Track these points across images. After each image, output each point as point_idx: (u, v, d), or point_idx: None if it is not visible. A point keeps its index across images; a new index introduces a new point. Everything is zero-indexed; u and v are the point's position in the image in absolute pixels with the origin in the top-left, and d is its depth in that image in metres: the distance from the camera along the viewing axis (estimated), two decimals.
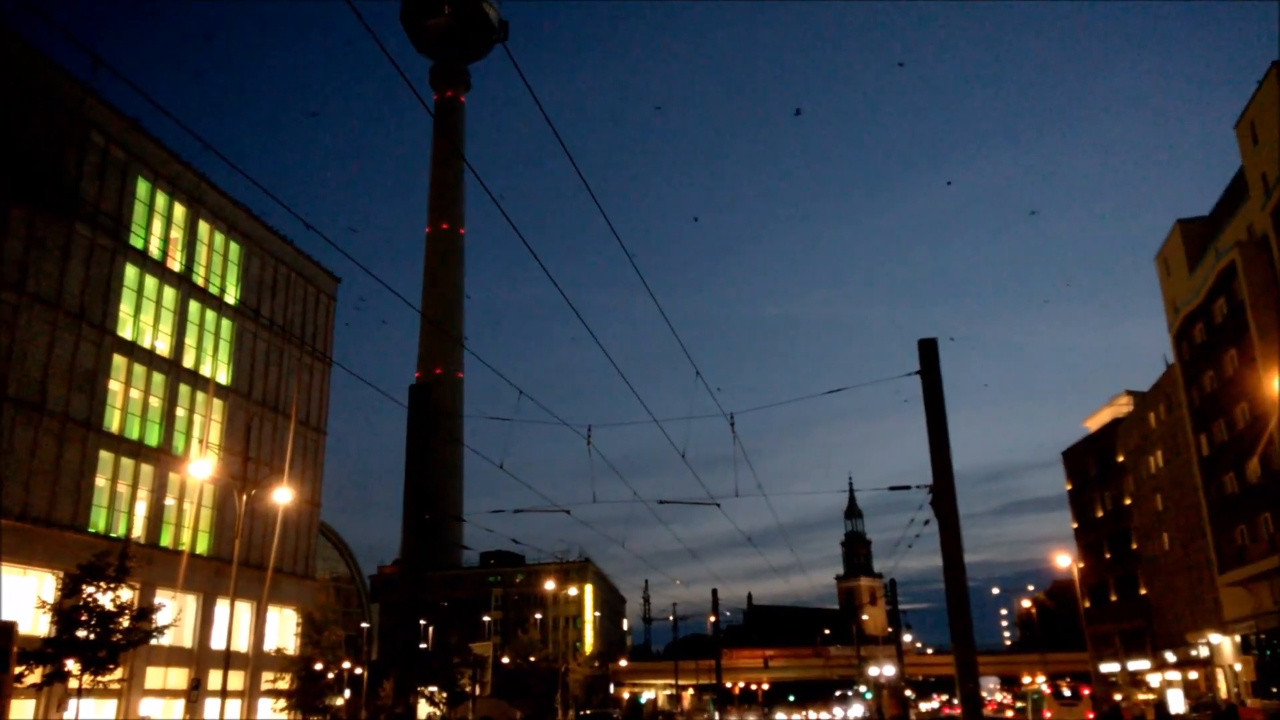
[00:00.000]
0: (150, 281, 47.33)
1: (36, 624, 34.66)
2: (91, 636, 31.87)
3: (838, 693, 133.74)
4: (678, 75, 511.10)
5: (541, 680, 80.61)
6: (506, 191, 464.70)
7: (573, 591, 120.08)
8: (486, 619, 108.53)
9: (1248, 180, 54.71)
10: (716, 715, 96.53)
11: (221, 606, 47.54)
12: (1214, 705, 55.65)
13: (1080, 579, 74.80)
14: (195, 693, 41.74)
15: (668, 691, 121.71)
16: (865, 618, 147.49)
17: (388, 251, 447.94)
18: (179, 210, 49.74)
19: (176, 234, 49.86)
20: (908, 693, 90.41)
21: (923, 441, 24.69)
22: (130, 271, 45.89)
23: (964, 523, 24.10)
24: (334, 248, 16.13)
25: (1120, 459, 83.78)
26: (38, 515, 39.02)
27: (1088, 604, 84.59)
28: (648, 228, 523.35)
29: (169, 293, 48.61)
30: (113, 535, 41.75)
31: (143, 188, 47.12)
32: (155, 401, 46.90)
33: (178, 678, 45.59)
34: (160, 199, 48.40)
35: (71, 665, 31.45)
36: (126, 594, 34.26)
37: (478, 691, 64.68)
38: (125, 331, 45.34)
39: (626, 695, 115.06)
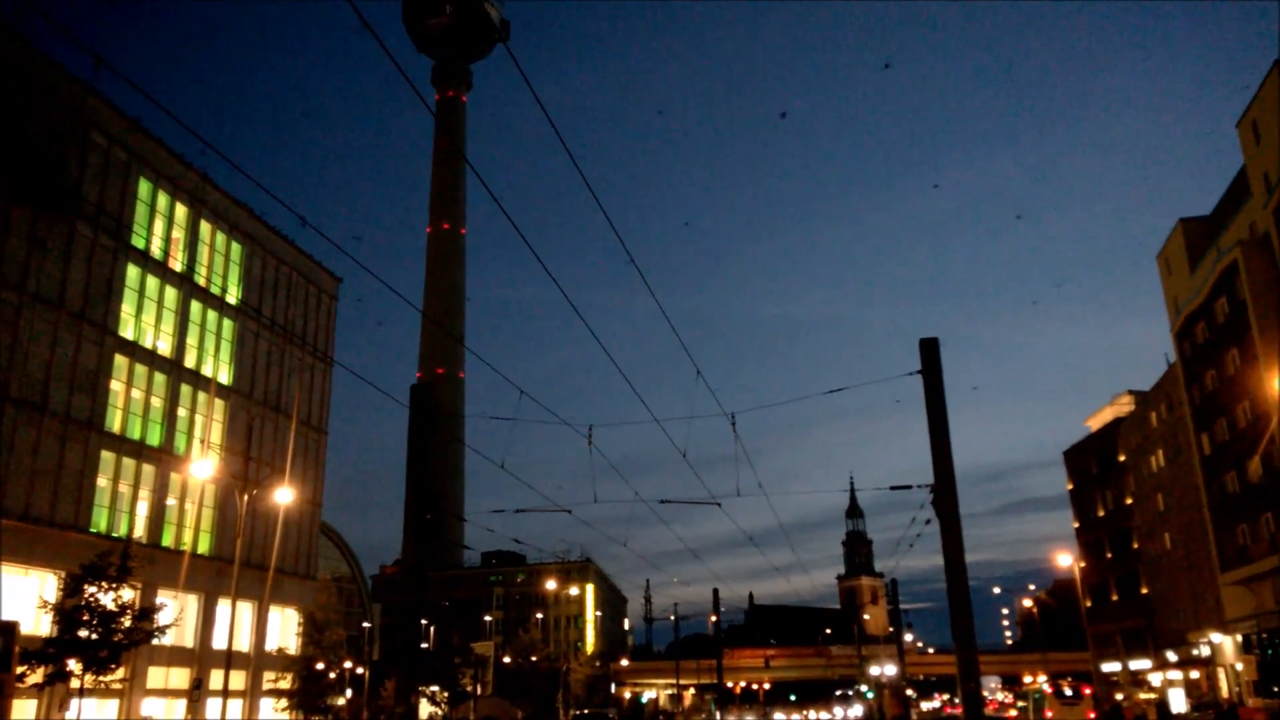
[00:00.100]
0: (152, 282, 47.36)
1: (38, 624, 34.72)
2: (93, 636, 31.90)
3: (838, 692, 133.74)
4: (678, 75, 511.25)
5: (543, 680, 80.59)
6: (507, 191, 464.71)
7: (574, 591, 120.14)
8: (488, 619, 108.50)
9: (1249, 179, 54.67)
10: (718, 715, 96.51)
11: (223, 606, 47.61)
12: (1215, 705, 55.63)
13: (1081, 578, 74.75)
14: (197, 692, 41.77)
15: (669, 691, 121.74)
16: (866, 617, 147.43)
17: (389, 251, 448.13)
18: (180, 210, 49.76)
19: (178, 234, 49.89)
20: (909, 692, 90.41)
21: (924, 441, 24.68)
22: (132, 272, 45.92)
23: (965, 522, 24.08)
24: (335, 248, 16.15)
25: (1121, 458, 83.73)
26: (40, 515, 39.05)
27: (1089, 603, 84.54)
28: (648, 227, 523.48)
29: (170, 293, 48.63)
30: (114, 535, 41.78)
31: (144, 188, 47.14)
32: (157, 402, 46.93)
33: (179, 677, 45.64)
34: (162, 199, 48.42)
35: (73, 665, 31.48)
36: (128, 594, 34.31)
37: (479, 691, 64.66)
38: (127, 332, 45.37)
39: (628, 695, 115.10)
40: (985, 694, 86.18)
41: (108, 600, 32.57)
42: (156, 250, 47.90)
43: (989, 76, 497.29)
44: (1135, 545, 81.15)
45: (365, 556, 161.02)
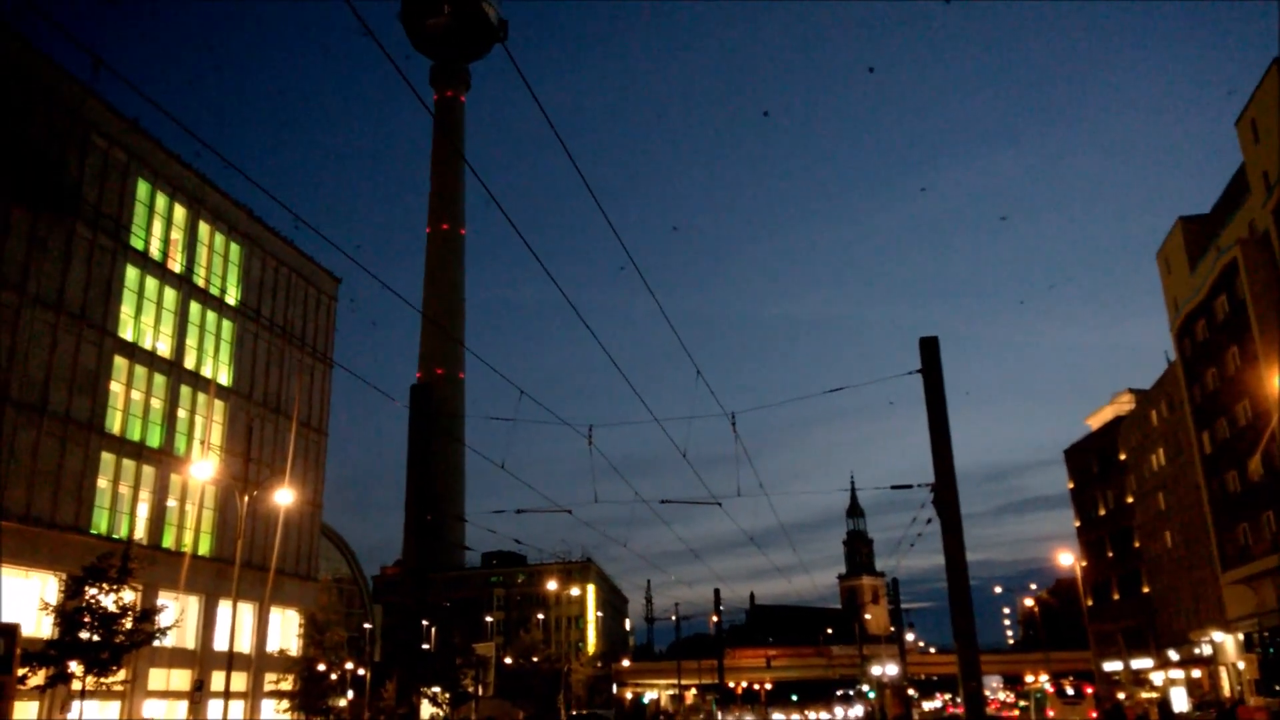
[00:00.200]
0: (151, 283, 47.33)
1: (40, 626, 34.70)
2: (94, 638, 31.86)
3: (840, 692, 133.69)
4: (677, 75, 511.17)
5: (544, 681, 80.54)
6: (507, 191, 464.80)
7: (575, 592, 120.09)
8: (489, 619, 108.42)
9: (1249, 178, 54.65)
10: (719, 715, 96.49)
11: (224, 608, 47.58)
12: (1218, 704, 55.57)
13: (1083, 577, 74.72)
14: (198, 694, 41.76)
15: (670, 691, 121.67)
16: (868, 617, 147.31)
17: (388, 252, 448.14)
18: (179, 211, 49.74)
19: (177, 235, 49.86)
20: (910, 692, 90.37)
21: (924, 440, 24.67)
22: (131, 273, 45.90)
23: (966, 521, 24.07)
24: (335, 248, 16.13)
25: (1122, 457, 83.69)
26: (40, 517, 39.02)
27: (1090, 602, 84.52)
28: (648, 227, 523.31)
29: (170, 294, 48.61)
30: (115, 537, 41.73)
31: (143, 189, 47.12)
32: (156, 403, 46.90)
33: (181, 679, 45.62)
34: (161, 200, 48.40)
35: (75, 667, 31.45)
36: (129, 595, 34.21)
37: (480, 692, 64.60)
38: (126, 333, 45.35)
39: (629, 695, 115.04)
40: (987, 693, 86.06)
41: (109, 602, 32.52)
42: (156, 251, 47.88)
43: (989, 77, 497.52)
44: (1136, 544, 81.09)
45: (366, 557, 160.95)
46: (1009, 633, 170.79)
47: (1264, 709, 47.21)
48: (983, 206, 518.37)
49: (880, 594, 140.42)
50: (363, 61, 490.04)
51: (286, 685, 51.31)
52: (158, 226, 48.39)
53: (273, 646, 52.06)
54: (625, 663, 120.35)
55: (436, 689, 57.65)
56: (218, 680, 43.36)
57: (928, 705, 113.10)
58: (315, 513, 60.05)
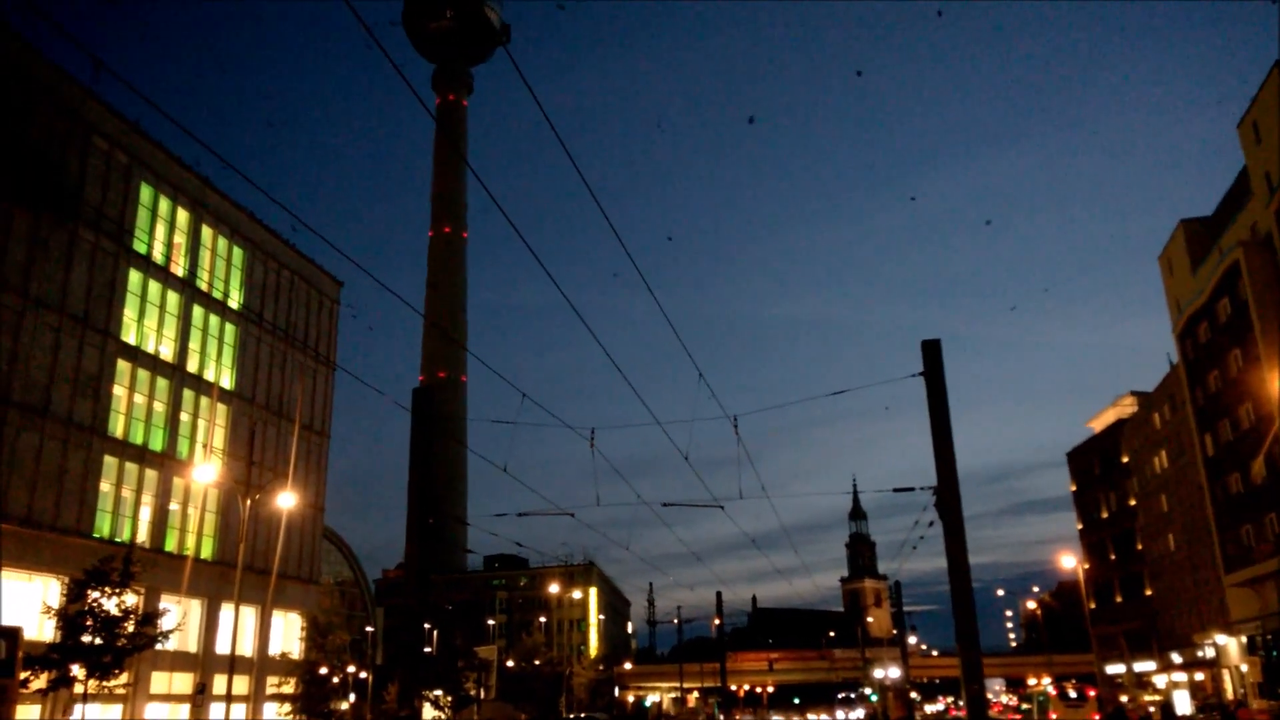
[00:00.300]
0: (154, 286, 47.37)
1: (42, 629, 34.68)
2: (97, 641, 31.85)
3: (841, 695, 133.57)
4: (678, 77, 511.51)
5: (546, 683, 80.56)
6: (508, 194, 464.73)
7: (577, 594, 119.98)
8: (491, 622, 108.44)
9: (1251, 180, 54.64)
10: (721, 718, 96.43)
11: (226, 611, 47.53)
12: (1221, 706, 55.47)
13: (1085, 580, 74.66)
14: (200, 697, 41.81)
15: (672, 694, 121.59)
16: (870, 620, 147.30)
17: (390, 255, 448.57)
18: (182, 215, 49.78)
19: (180, 238, 49.89)
20: (913, 695, 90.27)
21: (927, 442, 24.68)
22: (134, 276, 45.93)
23: (968, 524, 24.08)
24: (337, 251, 16.15)
25: (1125, 459, 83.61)
26: (42, 520, 39.03)
27: (1093, 605, 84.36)
28: (650, 229, 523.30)
29: (172, 297, 48.64)
30: (117, 540, 41.74)
31: (146, 192, 47.16)
32: (159, 406, 46.92)
33: (183, 682, 45.60)
34: (163, 203, 48.44)
35: (77, 670, 31.44)
36: (131, 599, 34.22)
37: (483, 695, 64.62)
38: (129, 336, 45.38)
39: (631, 698, 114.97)
40: (989, 696, 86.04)
41: (111, 605, 32.53)
42: (158, 255, 47.90)
43: (991, 78, 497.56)
44: (1139, 546, 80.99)
45: (368, 560, 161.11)
46: (1011, 635, 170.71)
47: (1266, 711, 47.14)
48: (984, 207, 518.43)
49: (882, 596, 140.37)
50: (365, 65, 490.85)
51: (288, 688, 51.24)
52: (160, 230, 48.41)
53: (275, 649, 52.03)
54: (627, 666, 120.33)
55: (438, 692, 57.57)
56: (220, 683, 43.38)
57: (930, 708, 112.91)
58: (317, 516, 60.05)
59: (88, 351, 42.27)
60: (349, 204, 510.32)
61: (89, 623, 31.91)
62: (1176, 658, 71.76)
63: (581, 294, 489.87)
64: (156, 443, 46.46)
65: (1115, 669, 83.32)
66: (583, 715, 79.05)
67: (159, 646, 37.13)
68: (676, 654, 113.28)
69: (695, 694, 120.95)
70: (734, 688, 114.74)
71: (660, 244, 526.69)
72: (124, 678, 33.88)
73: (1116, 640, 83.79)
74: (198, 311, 50.23)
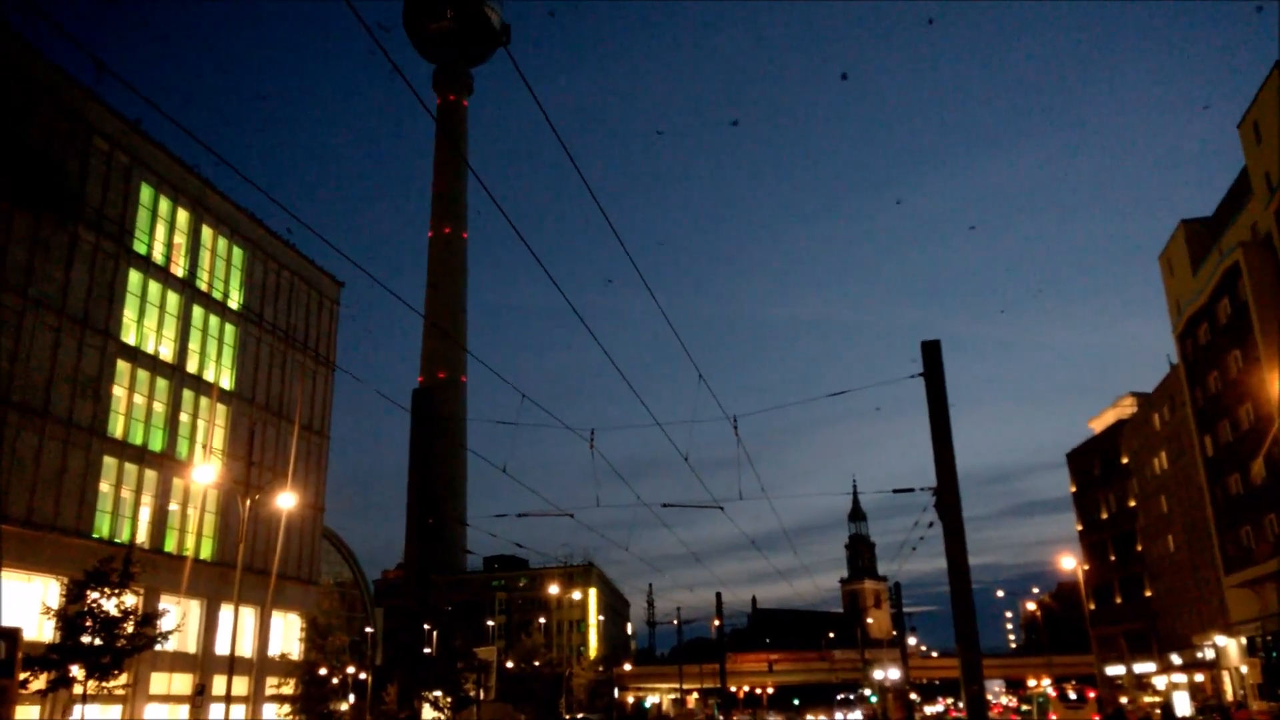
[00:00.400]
0: (154, 287, 47.36)
1: (41, 630, 34.67)
2: (96, 642, 31.83)
3: (841, 696, 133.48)
4: (679, 78, 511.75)
5: (546, 685, 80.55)
6: (509, 195, 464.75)
7: (576, 595, 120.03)
8: (490, 623, 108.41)
9: (1251, 180, 54.64)
10: (721, 718, 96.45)
11: (225, 611, 47.51)
12: (1220, 708, 55.46)
13: (1085, 581, 74.70)
14: (200, 698, 41.77)
15: (672, 695, 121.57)
16: (870, 621, 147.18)
17: (390, 255, 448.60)
18: (182, 215, 49.77)
19: (180, 239, 49.89)
20: (913, 696, 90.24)
21: (926, 443, 24.68)
22: (134, 277, 45.92)
23: (968, 525, 24.08)
24: (337, 252, 16.15)
25: (1124, 460, 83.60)
26: (42, 521, 39.02)
27: (1093, 606, 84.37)
28: (650, 230, 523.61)
29: (172, 298, 48.63)
30: (117, 541, 41.73)
31: (146, 193, 47.16)
32: (159, 407, 46.91)
33: (182, 683, 45.57)
34: (164, 204, 48.44)
35: (76, 671, 31.41)
36: (131, 599, 34.21)
37: (482, 696, 64.56)
38: (129, 337, 45.37)
39: (631, 699, 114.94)
40: (989, 697, 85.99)
41: (110, 606, 32.50)
42: (158, 255, 47.89)
43: (992, 79, 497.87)
44: (1139, 548, 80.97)
45: (367, 561, 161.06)
46: (1011, 636, 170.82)
47: (1266, 713, 47.15)
48: (984, 208, 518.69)
49: (882, 598, 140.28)
50: (365, 65, 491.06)
51: (288, 689, 51.21)
52: (160, 230, 48.41)
53: (274, 650, 52.02)
54: (627, 667, 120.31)
55: (438, 693, 57.47)
56: (219, 684, 43.36)
57: (930, 709, 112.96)
58: (317, 516, 60.03)
59: (88, 352, 42.25)
60: (349, 204, 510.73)
61: (88, 623, 31.89)
62: (1176, 659, 71.74)
63: (581, 294, 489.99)
64: (156, 443, 46.45)
65: (1115, 670, 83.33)
66: (580, 716, 79.08)
67: (158, 647, 37.08)
68: (676, 655, 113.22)
69: (695, 695, 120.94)
70: (734, 689, 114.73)
71: (661, 244, 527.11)
72: (123, 678, 33.88)
73: (1116, 641, 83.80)
74: (198, 312, 50.22)
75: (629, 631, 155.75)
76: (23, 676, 27.61)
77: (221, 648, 46.78)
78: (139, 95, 11.62)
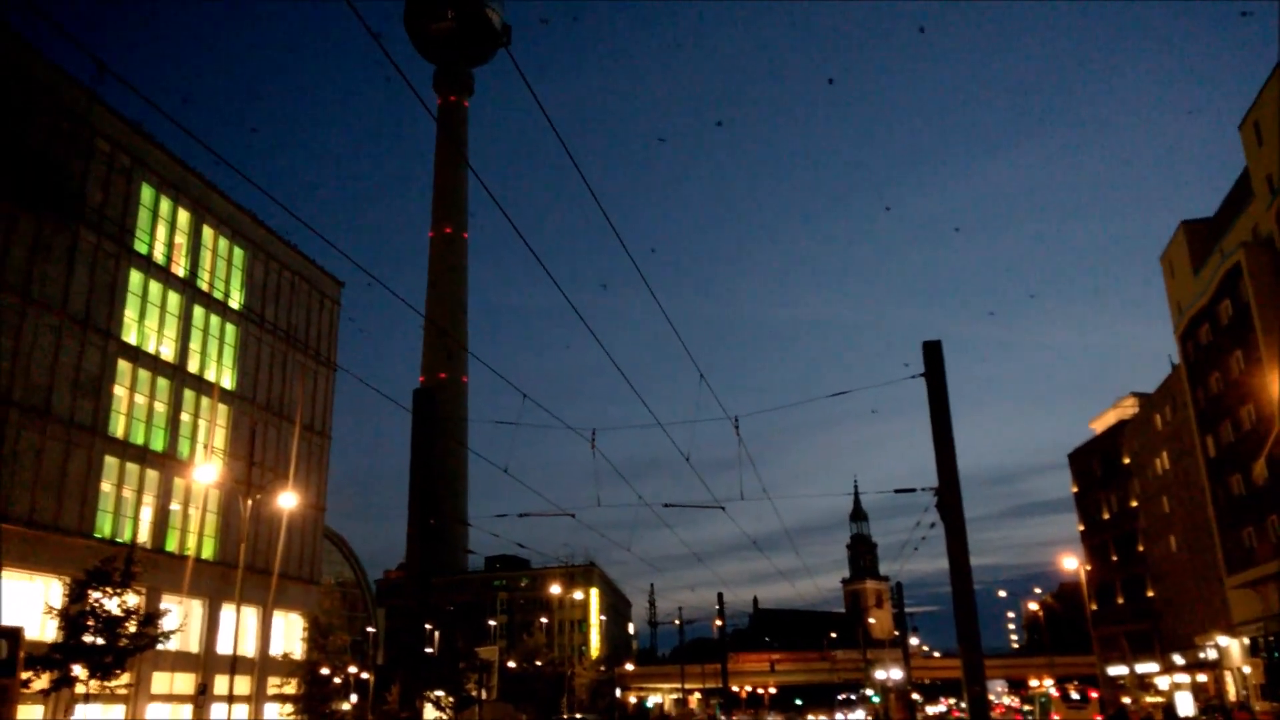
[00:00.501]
0: (155, 287, 47.39)
1: (44, 629, 34.71)
2: (98, 642, 31.88)
3: (843, 696, 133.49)
4: (680, 79, 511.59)
5: (547, 685, 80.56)
6: (510, 195, 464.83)
7: (578, 595, 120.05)
8: (492, 623, 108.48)
9: (1252, 181, 54.61)
10: (722, 718, 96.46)
11: (227, 611, 47.54)
12: (1223, 708, 55.44)
13: (1087, 581, 74.59)
14: (202, 697, 41.83)
15: (674, 695, 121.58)
16: (871, 621, 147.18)
17: (391, 255, 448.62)
18: (183, 215, 49.81)
19: (181, 239, 49.92)
20: (914, 696, 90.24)
21: (928, 444, 24.65)
22: (135, 277, 45.96)
23: (970, 525, 24.05)
24: (338, 252, 16.17)
25: (1126, 461, 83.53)
26: (44, 521, 39.06)
27: (1095, 606, 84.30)
28: (651, 230, 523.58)
29: (173, 298, 48.67)
30: (118, 540, 41.74)
31: (147, 193, 47.19)
32: (160, 407, 46.95)
33: (184, 683, 45.59)
34: (165, 204, 48.48)
35: (78, 670, 31.47)
36: (133, 599, 34.26)
37: (484, 696, 64.60)
38: (130, 337, 45.41)
39: (633, 700, 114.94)
40: (991, 698, 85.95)
41: (112, 606, 32.56)
42: (159, 255, 47.93)
43: (995, 78, 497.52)
44: (1141, 548, 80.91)
45: (369, 561, 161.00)
46: (1013, 637, 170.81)
47: (1269, 713, 47.11)
48: (985, 209, 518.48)
49: (884, 598, 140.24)
50: (366, 66, 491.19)
51: (290, 689, 51.25)
52: (161, 230, 48.45)
53: (276, 650, 52.02)
54: (629, 666, 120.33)
55: (440, 693, 57.61)
56: (221, 684, 43.43)
57: (931, 710, 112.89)
58: (318, 516, 60.06)
59: (89, 352, 42.29)
60: (349, 204, 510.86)
61: (90, 623, 31.94)
62: (1179, 659, 71.68)
63: (582, 295, 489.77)
64: (157, 443, 46.48)
65: (1117, 670, 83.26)
66: (581, 716, 79.08)
67: (160, 647, 37.10)
68: (678, 655, 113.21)
69: (696, 695, 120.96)
70: (735, 689, 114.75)
71: (661, 244, 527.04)
72: (125, 678, 33.94)
73: (1118, 642, 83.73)
74: (198, 312, 50.26)
75: (630, 631, 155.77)
76: (25, 676, 27.63)
77: (223, 647, 46.81)
78: (140, 96, 11.65)
